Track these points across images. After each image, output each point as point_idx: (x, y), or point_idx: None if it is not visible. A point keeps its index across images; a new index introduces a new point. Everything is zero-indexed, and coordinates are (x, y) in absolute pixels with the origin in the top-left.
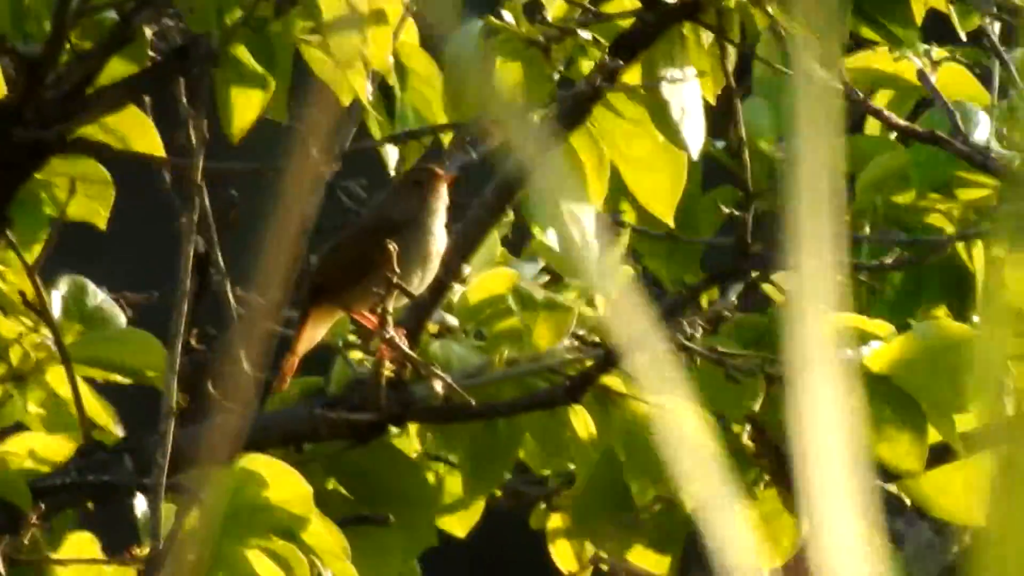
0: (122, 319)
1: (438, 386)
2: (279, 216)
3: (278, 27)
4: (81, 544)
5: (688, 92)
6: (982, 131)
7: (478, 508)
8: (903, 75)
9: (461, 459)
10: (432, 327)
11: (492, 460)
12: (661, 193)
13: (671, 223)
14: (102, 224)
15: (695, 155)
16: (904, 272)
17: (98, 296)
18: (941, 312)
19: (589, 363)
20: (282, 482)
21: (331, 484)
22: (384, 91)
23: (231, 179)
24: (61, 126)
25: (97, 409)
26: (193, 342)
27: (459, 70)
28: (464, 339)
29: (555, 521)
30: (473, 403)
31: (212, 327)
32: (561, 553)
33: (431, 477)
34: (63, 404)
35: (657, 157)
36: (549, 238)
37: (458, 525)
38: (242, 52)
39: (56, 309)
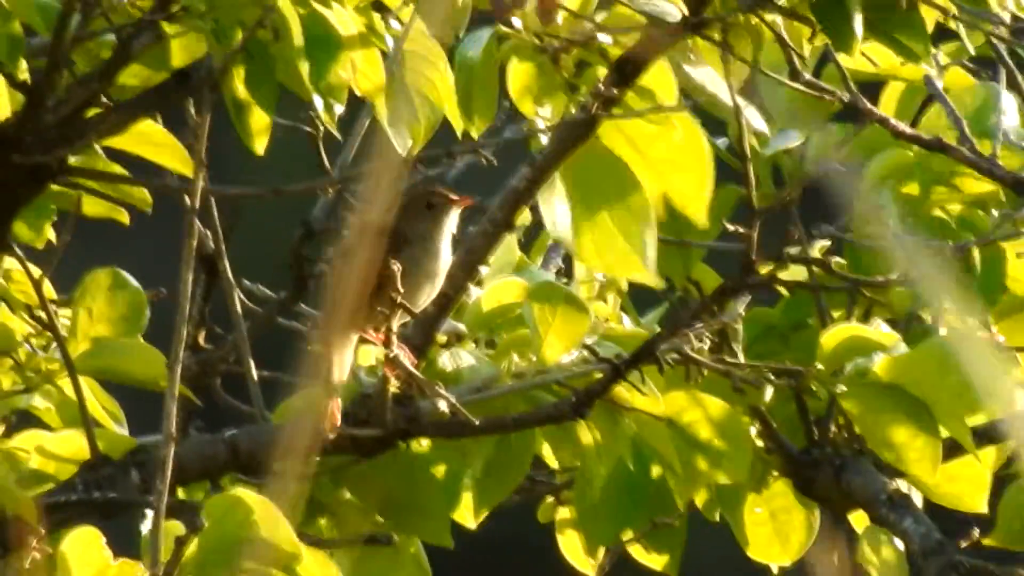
0: (147, 313)
1: (442, 405)
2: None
3: (276, 50)
4: (86, 539)
5: (720, 85)
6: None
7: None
8: (909, 76)
9: (475, 471)
10: (441, 338)
11: (506, 470)
12: (691, 192)
13: (705, 223)
14: (125, 219)
15: (766, 129)
16: None
17: (130, 284)
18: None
19: (597, 375)
20: (270, 519)
21: (343, 495)
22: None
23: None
24: (61, 150)
25: (111, 407)
26: (201, 341)
27: None
28: (474, 349)
29: (563, 514)
30: (476, 422)
31: (220, 327)
32: (570, 546)
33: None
34: (73, 404)
35: (681, 155)
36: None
37: (469, 515)
38: (239, 74)
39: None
